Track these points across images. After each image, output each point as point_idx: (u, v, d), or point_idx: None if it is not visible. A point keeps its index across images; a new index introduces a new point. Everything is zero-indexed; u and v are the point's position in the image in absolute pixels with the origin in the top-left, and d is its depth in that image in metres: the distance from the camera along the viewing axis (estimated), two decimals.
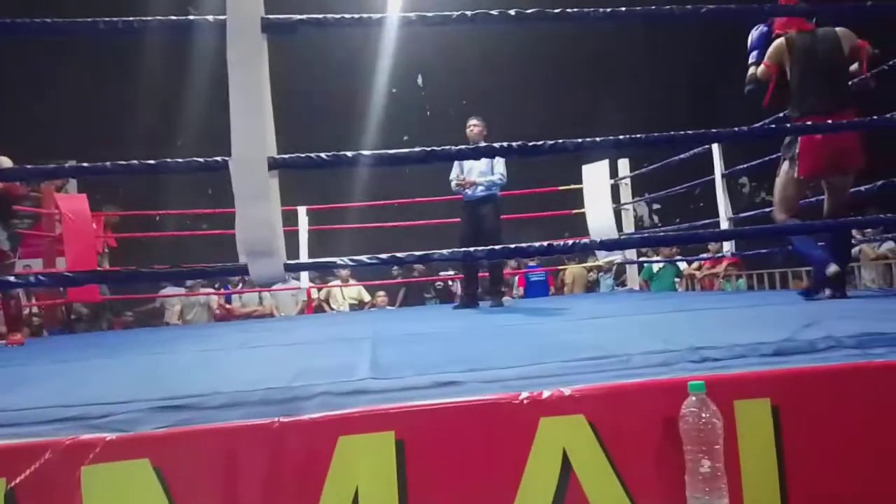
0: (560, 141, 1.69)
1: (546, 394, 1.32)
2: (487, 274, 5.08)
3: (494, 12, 1.76)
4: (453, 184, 4.89)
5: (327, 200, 6.84)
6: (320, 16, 1.66)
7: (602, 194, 6.35)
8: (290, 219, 6.48)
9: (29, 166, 1.77)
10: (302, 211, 6.51)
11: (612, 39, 9.00)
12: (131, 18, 1.51)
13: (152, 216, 8.44)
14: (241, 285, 7.99)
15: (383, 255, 1.64)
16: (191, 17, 1.59)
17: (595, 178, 6.45)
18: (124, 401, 1.46)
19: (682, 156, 5.49)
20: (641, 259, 7.45)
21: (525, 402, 1.30)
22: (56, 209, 6.21)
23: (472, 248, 1.66)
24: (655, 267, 7.88)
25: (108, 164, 1.58)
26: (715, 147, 5.05)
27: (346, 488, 1.22)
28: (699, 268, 8.06)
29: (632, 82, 9.81)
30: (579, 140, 1.67)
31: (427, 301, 8.37)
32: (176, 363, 2.42)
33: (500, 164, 4.76)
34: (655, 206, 11.08)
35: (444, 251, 1.64)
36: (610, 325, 2.66)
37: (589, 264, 8.37)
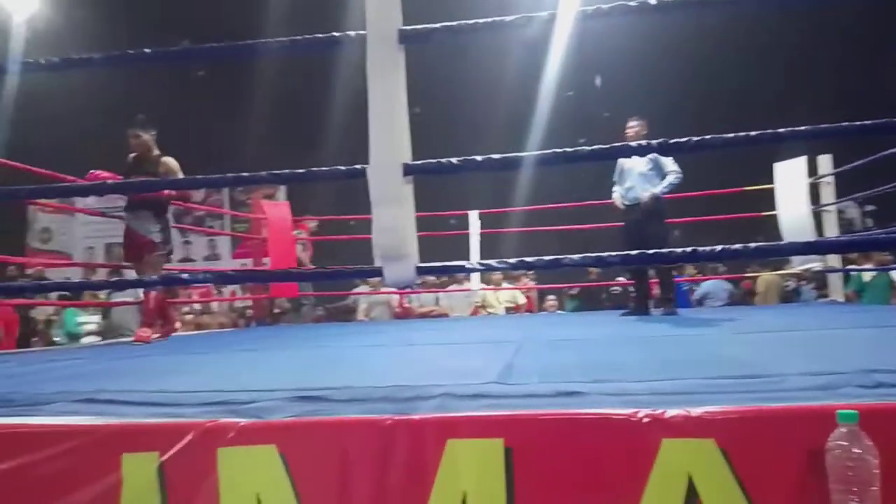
0: (706, 137, 1.55)
1: (670, 413, 1.21)
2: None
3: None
4: (615, 195, 4.69)
5: (501, 205, 6.90)
6: (454, 23, 1.68)
7: (797, 195, 5.71)
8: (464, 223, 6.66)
9: (199, 176, 2.00)
10: (473, 215, 6.64)
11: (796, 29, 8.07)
12: (283, 38, 1.66)
13: (346, 221, 9.00)
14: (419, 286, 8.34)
15: (511, 260, 1.63)
16: (334, 34, 1.70)
17: (790, 177, 5.82)
18: (269, 389, 1.60)
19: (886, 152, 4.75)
20: (849, 267, 6.59)
21: (645, 420, 1.21)
22: (263, 215, 6.90)
23: (605, 254, 1.58)
24: (867, 276, 6.92)
25: (263, 173, 1.74)
26: None
27: (453, 493, 1.22)
28: None
29: (825, 73, 8.71)
30: (728, 136, 1.52)
31: (602, 306, 8.14)
32: (331, 356, 2.60)
33: (668, 162, 4.43)
34: (869, 208, 9.74)
35: (575, 256, 1.58)
36: (778, 339, 2.38)
37: (785, 272, 7.58)
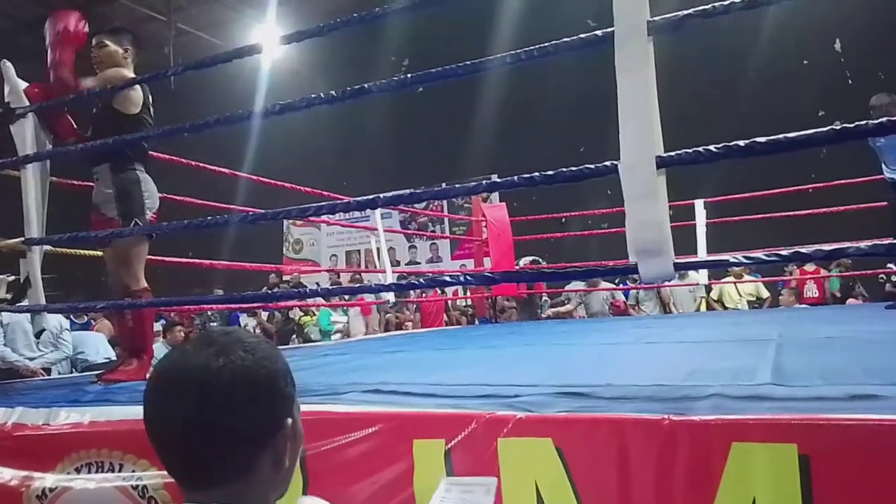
0: None
1: None
2: None
3: None
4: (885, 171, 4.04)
5: (727, 191, 6.40)
6: (707, 7, 1.61)
7: None
8: (687, 213, 6.28)
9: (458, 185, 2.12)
10: (699, 204, 6.24)
11: None
12: (530, 48, 1.72)
13: (558, 218, 8.99)
14: (638, 281, 8.07)
15: (784, 251, 1.51)
16: (581, 36, 1.72)
17: None
18: (531, 384, 1.66)
19: None
20: None
21: None
22: (482, 217, 7.14)
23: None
24: None
25: (514, 178, 1.81)
26: None
27: (741, 498, 1.17)
28: None
29: None
30: None
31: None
32: (574, 354, 2.62)
33: None
34: None
35: (863, 244, 1.42)
36: None
37: None
